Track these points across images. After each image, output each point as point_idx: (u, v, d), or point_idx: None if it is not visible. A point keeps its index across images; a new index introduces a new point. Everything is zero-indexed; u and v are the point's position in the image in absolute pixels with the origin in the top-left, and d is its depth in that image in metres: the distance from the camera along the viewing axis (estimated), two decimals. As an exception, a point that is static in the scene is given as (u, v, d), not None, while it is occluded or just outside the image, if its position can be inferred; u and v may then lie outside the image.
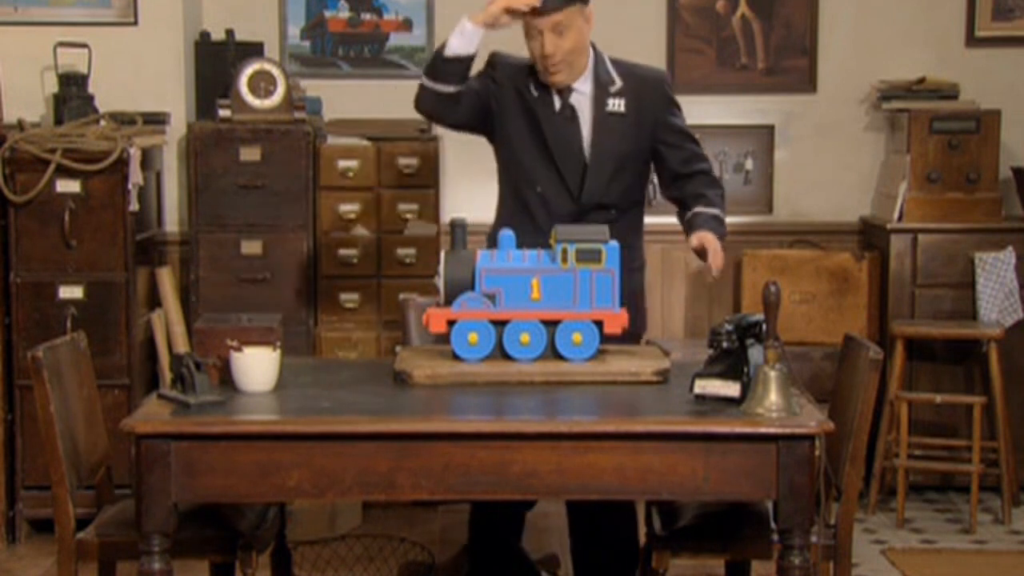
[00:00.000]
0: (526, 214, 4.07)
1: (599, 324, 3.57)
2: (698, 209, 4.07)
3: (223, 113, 5.42)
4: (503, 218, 4.14)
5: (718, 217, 4.05)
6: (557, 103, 4.08)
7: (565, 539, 4.33)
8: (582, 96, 4.08)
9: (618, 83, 4.10)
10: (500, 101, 4.07)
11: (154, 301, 5.47)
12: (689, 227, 4.04)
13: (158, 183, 5.60)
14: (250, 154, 5.37)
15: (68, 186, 5.08)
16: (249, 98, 5.40)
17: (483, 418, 3.24)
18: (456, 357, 3.57)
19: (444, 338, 3.62)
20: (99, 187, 5.09)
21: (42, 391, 3.46)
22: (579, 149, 4.07)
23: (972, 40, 6.00)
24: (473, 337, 3.56)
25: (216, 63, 5.60)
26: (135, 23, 5.55)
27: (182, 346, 5.32)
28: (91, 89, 5.34)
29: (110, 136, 5.09)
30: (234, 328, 3.57)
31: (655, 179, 4.28)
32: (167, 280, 5.49)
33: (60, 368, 3.58)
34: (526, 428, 3.16)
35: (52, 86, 5.34)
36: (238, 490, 3.19)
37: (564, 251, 3.56)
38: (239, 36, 5.68)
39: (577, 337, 3.56)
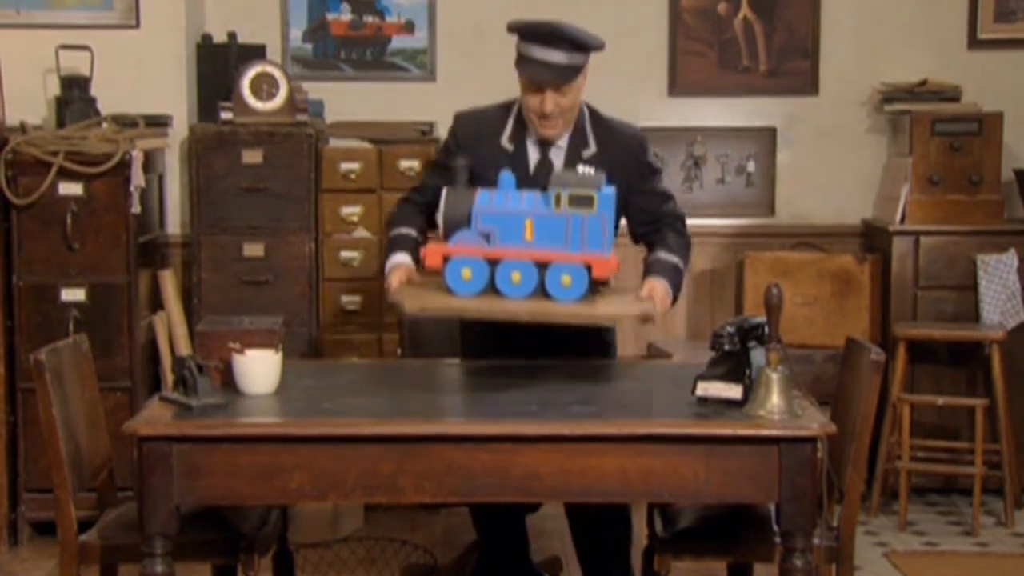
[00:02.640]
0: None
1: (589, 268, 3.61)
2: (660, 255, 4.00)
3: (225, 115, 5.42)
4: None
5: (677, 267, 3.99)
6: (533, 158, 4.01)
7: (567, 543, 4.33)
8: (559, 150, 4.02)
9: (592, 148, 4.01)
10: (475, 160, 3.89)
11: (156, 303, 5.47)
12: (645, 272, 3.98)
13: (160, 185, 5.60)
14: (252, 156, 5.38)
15: (70, 189, 5.08)
16: (251, 100, 5.40)
17: (485, 420, 3.24)
18: (450, 292, 3.62)
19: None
20: (101, 190, 5.09)
21: (44, 394, 3.46)
22: None
23: (974, 42, 6.00)
24: (467, 272, 3.62)
25: (218, 65, 5.60)
26: (137, 26, 5.55)
27: (184, 348, 5.32)
28: (93, 92, 5.34)
29: (112, 139, 5.09)
30: (236, 331, 3.58)
31: None
32: (169, 282, 5.49)
33: (62, 371, 3.58)
34: (528, 430, 3.16)
35: (54, 88, 5.35)
36: (240, 492, 3.20)
37: (558, 196, 3.61)
38: (241, 38, 5.68)
39: (566, 279, 3.60)
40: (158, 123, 5.43)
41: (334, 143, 5.57)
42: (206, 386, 3.36)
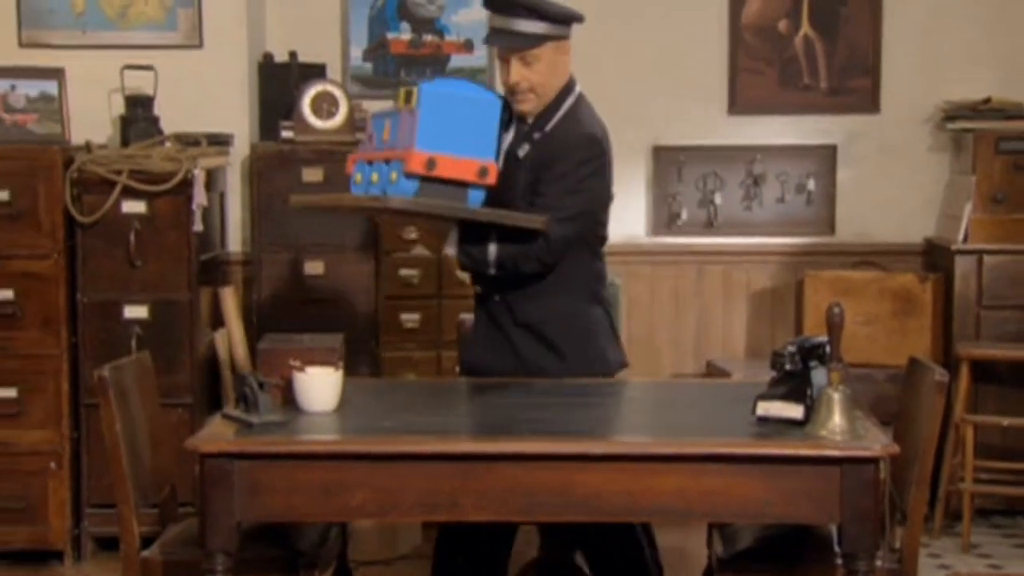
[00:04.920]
0: None
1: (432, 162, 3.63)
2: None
3: (286, 134, 5.46)
4: None
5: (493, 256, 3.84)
6: (510, 134, 3.96)
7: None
8: (523, 126, 3.94)
9: (538, 137, 3.91)
10: None
11: (217, 321, 5.51)
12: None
13: (222, 204, 5.64)
14: (312, 175, 5.41)
15: (134, 207, 5.13)
16: (311, 119, 5.43)
17: (546, 439, 3.23)
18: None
19: None
20: (164, 208, 5.14)
21: (108, 410, 3.49)
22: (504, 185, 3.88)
23: (1039, 59, 5.95)
24: (358, 176, 3.83)
25: (279, 84, 5.64)
26: (200, 46, 5.60)
27: (244, 366, 5.35)
28: (157, 111, 5.40)
29: (175, 157, 5.14)
30: (297, 348, 3.59)
31: (718, 200, 4.21)
32: (230, 300, 5.52)
33: (126, 387, 3.61)
34: (590, 449, 3.15)
35: (119, 108, 5.41)
36: (301, 509, 3.20)
37: (400, 94, 3.71)
38: (302, 58, 5.72)
39: (393, 175, 3.66)
40: (220, 142, 5.48)
41: (394, 162, 5.58)
42: (267, 403, 3.37)
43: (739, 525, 3.71)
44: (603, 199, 3.98)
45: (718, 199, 5.97)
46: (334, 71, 5.84)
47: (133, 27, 5.59)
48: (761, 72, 5.98)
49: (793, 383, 3.30)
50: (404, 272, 5.51)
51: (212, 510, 3.16)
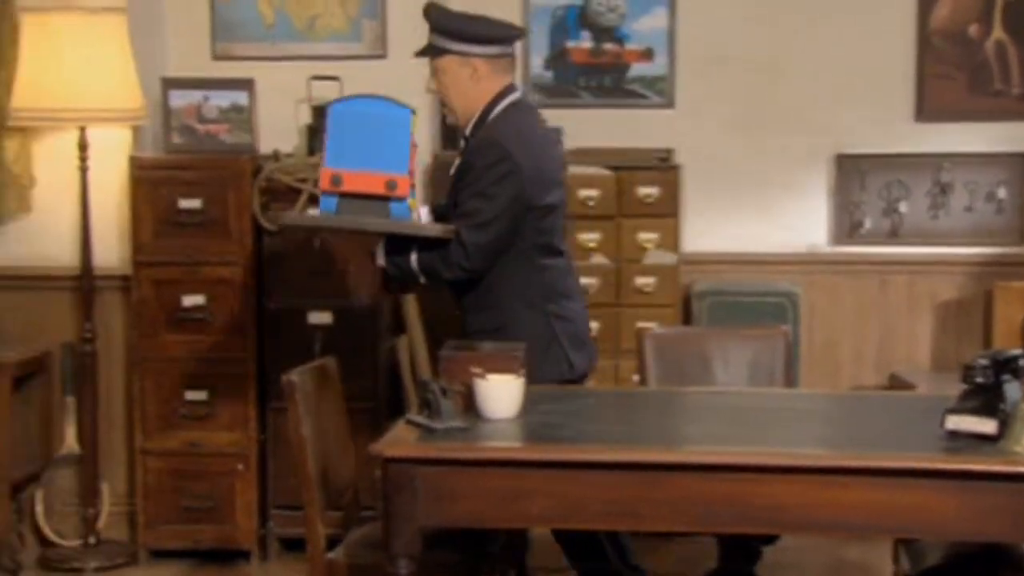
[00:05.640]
0: None
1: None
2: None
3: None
4: None
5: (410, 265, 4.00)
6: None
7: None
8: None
9: (463, 148, 4.11)
10: None
11: (398, 327, 5.58)
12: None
13: (405, 212, 5.71)
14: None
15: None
16: (492, 128, 5.46)
17: (727, 449, 3.20)
18: None
19: None
20: (350, 216, 5.22)
21: (295, 414, 3.57)
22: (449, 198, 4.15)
23: None
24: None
25: (460, 94, 5.69)
26: (384, 56, 5.69)
27: (426, 372, 5.41)
28: (341, 120, 5.49)
29: (359, 166, 5.22)
30: (478, 356, 3.62)
31: (903, 209, 4.13)
32: (412, 307, 5.58)
33: (312, 392, 3.68)
34: (772, 461, 3.11)
35: (305, 117, 5.52)
36: (482, 515, 3.23)
37: None
38: (483, 67, 5.76)
39: None
40: (402, 150, 5.54)
41: (573, 170, 5.58)
42: (450, 409, 3.40)
43: (927, 541, 3.62)
44: (519, 205, 3.99)
45: (903, 208, 5.84)
46: (515, 80, 5.86)
47: (320, 38, 5.71)
48: (950, 78, 5.83)
49: (985, 397, 3.21)
50: (582, 280, 5.48)
51: (395, 514, 3.20)
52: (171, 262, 5.25)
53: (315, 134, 5.47)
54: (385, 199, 3.87)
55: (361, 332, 5.27)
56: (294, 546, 5.23)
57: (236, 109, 5.41)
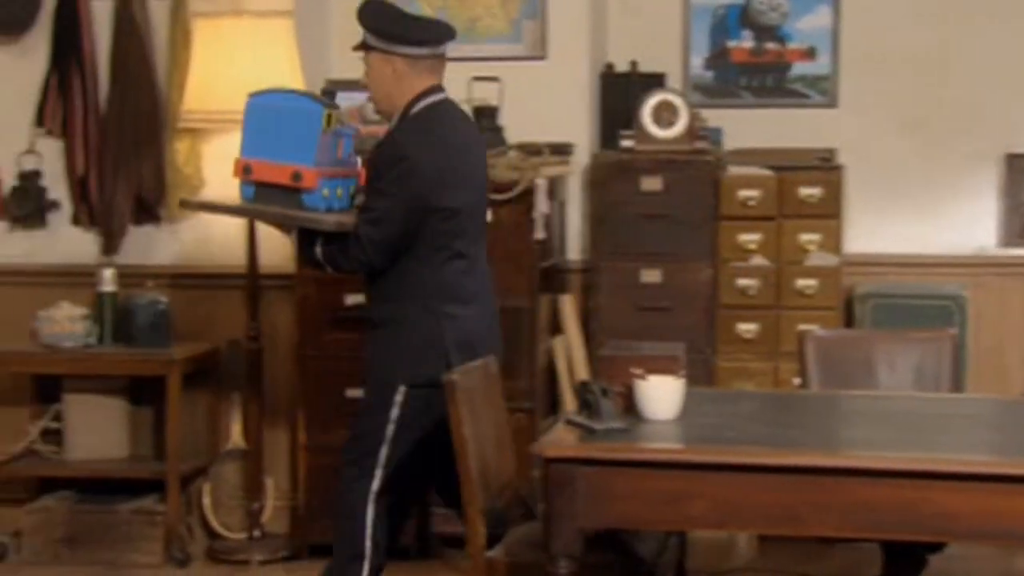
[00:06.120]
0: None
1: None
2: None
3: (625, 143, 5.50)
4: None
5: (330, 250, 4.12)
6: None
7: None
8: None
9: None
10: None
11: (554, 327, 5.60)
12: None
13: (562, 212, 5.73)
14: (651, 184, 5.43)
15: (479, 215, 5.27)
16: (651, 128, 5.46)
17: (894, 455, 3.15)
18: None
19: None
20: (507, 216, 5.25)
21: (456, 413, 3.59)
22: None
23: None
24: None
25: (620, 94, 5.69)
26: (544, 57, 5.72)
27: (582, 373, 5.42)
28: (501, 121, 5.53)
29: (518, 166, 5.25)
30: (638, 356, 3.62)
31: None
32: (569, 307, 5.61)
33: (473, 391, 3.71)
34: (941, 467, 3.05)
35: (466, 118, 5.56)
36: (642, 516, 3.23)
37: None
38: (642, 67, 5.76)
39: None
40: (561, 151, 5.57)
41: (733, 170, 5.55)
42: (610, 410, 3.41)
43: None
44: (416, 204, 4.06)
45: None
46: (674, 80, 5.84)
47: (480, 40, 5.75)
48: None
49: None
50: (742, 282, 5.46)
51: (556, 514, 3.21)
52: (333, 262, 5.33)
53: (475, 135, 5.52)
54: (296, 190, 4.04)
55: (518, 332, 5.29)
56: (454, 543, 5.27)
57: (398, 110, 5.47)
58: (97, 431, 5.50)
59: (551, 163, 5.41)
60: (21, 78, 5.72)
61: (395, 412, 4.15)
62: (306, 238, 4.16)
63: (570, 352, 5.56)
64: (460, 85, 5.53)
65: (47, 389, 5.62)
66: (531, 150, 5.43)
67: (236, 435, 5.58)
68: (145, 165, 5.61)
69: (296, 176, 4.05)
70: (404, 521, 4.55)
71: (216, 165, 5.57)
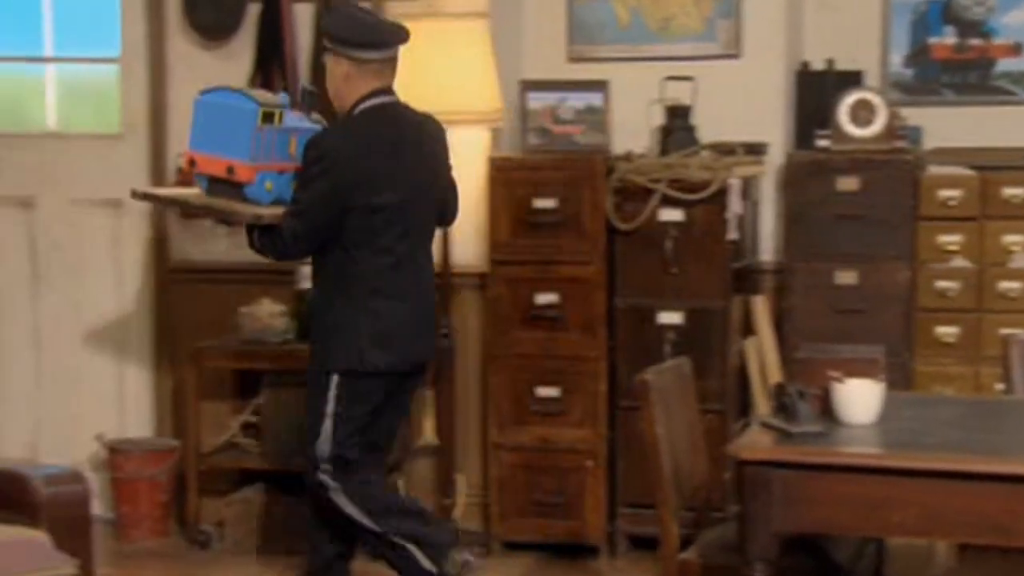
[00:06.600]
0: None
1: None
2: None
3: (821, 143, 5.41)
4: None
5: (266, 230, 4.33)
6: None
7: None
8: None
9: None
10: None
11: (746, 329, 5.54)
12: None
13: (755, 212, 5.67)
14: (847, 184, 5.33)
15: (671, 215, 5.25)
16: (849, 127, 5.36)
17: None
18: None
19: None
20: (700, 216, 5.23)
21: (649, 413, 3.59)
22: None
23: None
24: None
25: (816, 93, 5.60)
26: (738, 56, 5.66)
27: (775, 375, 5.35)
28: (694, 120, 5.50)
29: (711, 166, 5.22)
30: (836, 359, 3.56)
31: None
32: (762, 308, 5.54)
33: (666, 392, 3.70)
34: None
35: (658, 118, 5.54)
36: (839, 522, 3.18)
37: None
38: (839, 65, 5.65)
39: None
40: (755, 151, 5.50)
41: (933, 170, 5.42)
42: (807, 413, 3.36)
43: None
44: (335, 200, 4.28)
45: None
46: (872, 78, 5.72)
47: (674, 39, 5.72)
48: None
49: None
50: (941, 284, 5.32)
51: (752, 518, 3.18)
52: (526, 260, 5.37)
53: (668, 135, 5.49)
54: (237, 184, 4.31)
55: (710, 333, 5.25)
56: (642, 544, 5.26)
57: (591, 110, 5.48)
58: (294, 426, 5.63)
59: (744, 163, 5.36)
60: (228, 80, 5.84)
61: (331, 399, 4.38)
62: (250, 228, 4.40)
63: (762, 354, 5.50)
64: (652, 85, 5.53)
65: (248, 383, 5.78)
66: (724, 150, 5.38)
67: (429, 431, 5.65)
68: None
69: (230, 170, 4.31)
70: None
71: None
